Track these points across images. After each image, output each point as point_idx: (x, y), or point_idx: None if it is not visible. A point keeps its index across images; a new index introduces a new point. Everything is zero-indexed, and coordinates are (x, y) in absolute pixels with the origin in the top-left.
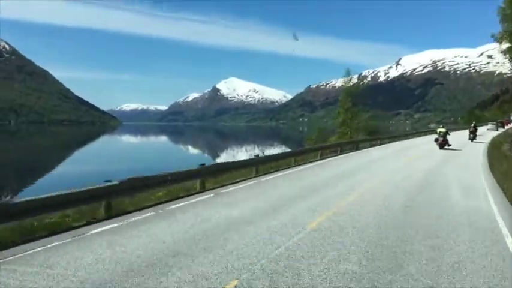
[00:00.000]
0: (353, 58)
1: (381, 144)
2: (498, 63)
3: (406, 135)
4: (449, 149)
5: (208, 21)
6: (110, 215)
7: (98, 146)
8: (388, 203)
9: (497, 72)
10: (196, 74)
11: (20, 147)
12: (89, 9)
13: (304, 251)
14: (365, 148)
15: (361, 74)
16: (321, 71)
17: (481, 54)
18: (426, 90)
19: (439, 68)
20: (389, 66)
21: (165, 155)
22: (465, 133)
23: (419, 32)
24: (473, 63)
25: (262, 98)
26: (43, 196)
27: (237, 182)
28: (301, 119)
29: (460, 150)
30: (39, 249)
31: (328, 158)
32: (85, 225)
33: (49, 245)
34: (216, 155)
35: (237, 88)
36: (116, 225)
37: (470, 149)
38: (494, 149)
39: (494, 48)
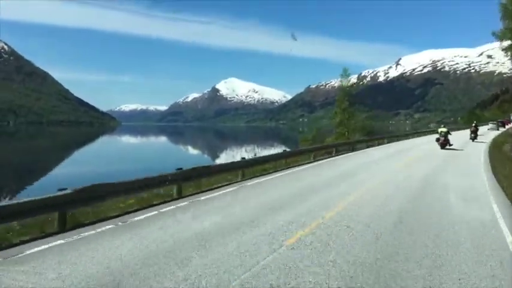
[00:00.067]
0: (353, 58)
1: (379, 144)
2: (498, 63)
3: (406, 135)
4: (450, 149)
5: (207, 21)
6: (63, 229)
7: (94, 147)
8: (375, 223)
9: (496, 72)
10: (195, 74)
11: (17, 148)
12: (87, 9)
13: (275, 276)
14: (362, 149)
15: (360, 74)
16: (321, 71)
17: (481, 54)
18: (426, 90)
19: (438, 68)
20: (388, 66)
21: (162, 155)
22: (465, 133)
23: (418, 32)
24: (472, 63)
25: (261, 98)
26: None
27: (219, 187)
28: (300, 120)
29: (461, 150)
30: None
31: (322, 159)
32: (27, 241)
33: None
34: (211, 156)
35: (236, 88)
36: (61, 242)
37: (472, 149)
38: (495, 150)
39: (493, 48)
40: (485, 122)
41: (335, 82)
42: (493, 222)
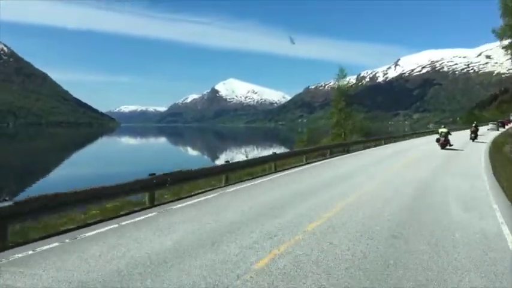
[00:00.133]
0: (352, 59)
1: (376, 146)
2: (496, 63)
3: (404, 136)
4: (451, 149)
5: (206, 22)
6: (4, 246)
7: (92, 149)
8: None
9: (495, 72)
10: (194, 75)
11: (18, 149)
12: (86, 11)
13: None
14: (358, 150)
15: (359, 74)
16: (320, 71)
17: (480, 55)
18: (425, 91)
19: (437, 69)
20: (387, 66)
21: (158, 157)
22: (465, 133)
23: (418, 32)
24: (471, 63)
25: (261, 99)
26: None
27: (199, 193)
28: (300, 120)
29: (462, 150)
30: None
31: (314, 162)
32: None
33: None
34: (205, 157)
35: (235, 89)
36: None
37: (472, 149)
38: (496, 150)
39: (492, 49)
40: (485, 122)
41: (334, 83)
42: (497, 235)
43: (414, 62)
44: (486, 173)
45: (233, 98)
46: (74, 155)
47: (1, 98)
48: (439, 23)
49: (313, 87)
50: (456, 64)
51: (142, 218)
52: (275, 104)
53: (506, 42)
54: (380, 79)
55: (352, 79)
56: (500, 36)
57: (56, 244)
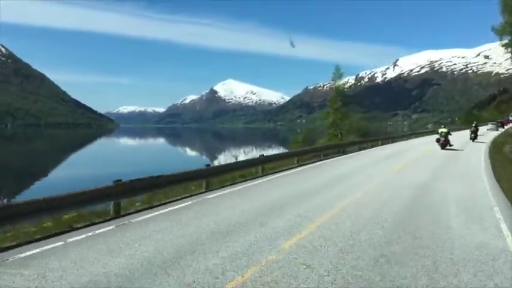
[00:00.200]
0: (351, 59)
1: (372, 147)
2: (495, 63)
3: (402, 137)
4: (451, 149)
5: (204, 23)
6: None
7: (90, 150)
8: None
9: (494, 72)
10: (193, 76)
11: (15, 151)
12: (85, 11)
13: None
14: (354, 152)
15: (358, 74)
16: (319, 72)
17: (478, 55)
18: (423, 91)
19: (436, 69)
20: (386, 67)
21: (155, 158)
22: (465, 133)
23: (416, 32)
24: (470, 63)
25: (259, 100)
26: None
27: (174, 201)
28: (299, 121)
29: (462, 150)
30: None
31: (306, 165)
32: None
33: None
34: (204, 158)
35: (234, 90)
36: None
37: (472, 149)
38: (496, 150)
39: (491, 49)
40: (484, 123)
41: (329, 82)
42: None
43: (413, 62)
44: (486, 174)
45: (232, 99)
46: (72, 157)
47: None
48: (437, 23)
49: (312, 87)
50: (455, 64)
51: (94, 233)
52: (274, 105)
53: (506, 40)
54: (379, 79)
55: (351, 79)
56: (500, 33)
57: None
